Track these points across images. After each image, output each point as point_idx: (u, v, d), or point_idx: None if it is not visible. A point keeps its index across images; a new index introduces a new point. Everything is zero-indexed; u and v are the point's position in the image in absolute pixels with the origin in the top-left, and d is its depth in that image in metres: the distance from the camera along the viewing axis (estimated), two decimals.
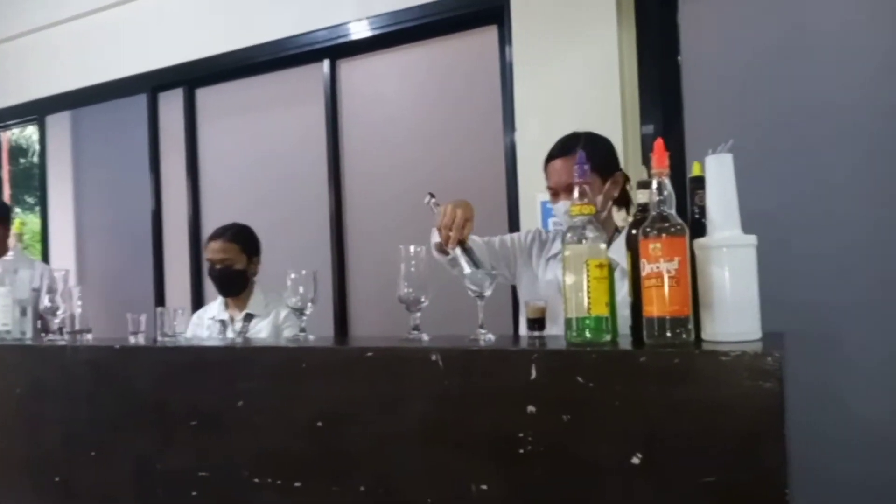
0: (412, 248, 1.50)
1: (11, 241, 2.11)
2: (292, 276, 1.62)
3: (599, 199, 1.74)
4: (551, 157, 1.80)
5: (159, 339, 1.64)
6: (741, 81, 2.39)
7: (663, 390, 1.02)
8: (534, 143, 2.52)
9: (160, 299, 3.72)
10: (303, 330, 1.61)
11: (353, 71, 3.23)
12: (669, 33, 2.49)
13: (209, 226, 3.63)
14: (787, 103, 2.33)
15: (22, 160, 7.56)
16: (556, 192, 1.77)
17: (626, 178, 1.83)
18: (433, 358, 1.19)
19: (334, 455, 1.28)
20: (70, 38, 3.94)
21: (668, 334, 1.08)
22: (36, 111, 4.18)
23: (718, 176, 1.15)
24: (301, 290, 1.62)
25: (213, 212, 3.62)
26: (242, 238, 2.54)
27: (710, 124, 2.43)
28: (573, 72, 2.52)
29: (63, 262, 4.12)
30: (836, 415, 2.20)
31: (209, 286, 3.63)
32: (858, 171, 2.22)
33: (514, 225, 2.71)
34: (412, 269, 1.49)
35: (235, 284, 2.51)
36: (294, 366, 1.34)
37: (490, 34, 2.87)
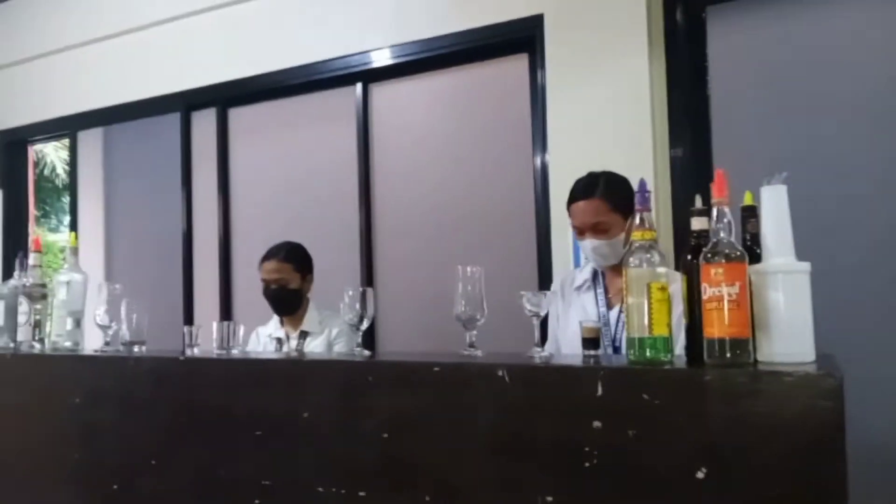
0: (469, 269, 1.58)
1: (67, 253, 2.19)
2: (350, 293, 1.70)
3: (622, 236, 1.83)
4: (573, 198, 1.89)
5: (220, 352, 1.70)
6: (768, 106, 2.48)
7: (727, 408, 1.08)
8: (566, 167, 2.60)
9: (189, 316, 3.78)
10: (358, 345, 1.68)
11: (384, 95, 3.31)
12: (698, 59, 2.58)
13: (239, 244, 3.72)
14: (814, 130, 2.41)
15: (47, 173, 7.71)
16: (582, 231, 1.87)
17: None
18: (500, 374, 1.25)
19: (399, 465, 1.34)
20: (105, 55, 4.04)
21: (728, 355, 1.14)
22: (67, 127, 4.27)
23: (773, 206, 1.22)
24: (357, 306, 1.70)
25: (243, 230, 3.70)
26: (295, 257, 2.61)
27: (737, 147, 2.51)
28: (605, 98, 2.60)
29: (92, 277, 4.18)
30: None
31: (237, 303, 3.71)
32: (892, 195, 2.29)
33: (543, 249, 2.78)
34: (469, 288, 1.56)
35: (290, 303, 2.58)
36: (360, 379, 1.40)
37: (520, 61, 2.96)
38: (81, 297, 2.14)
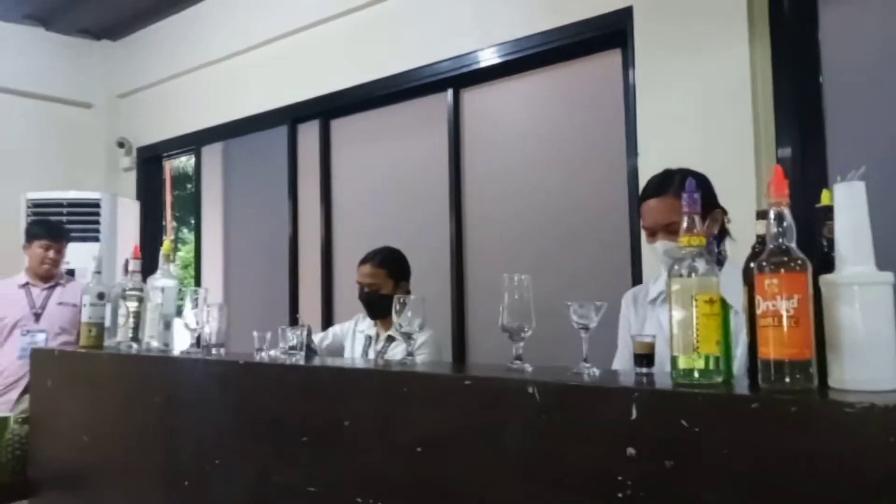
0: (515, 277, 1.49)
1: (160, 260, 2.34)
2: (401, 300, 1.67)
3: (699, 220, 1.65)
4: (645, 196, 1.75)
5: (274, 354, 1.73)
6: (891, 98, 2.17)
7: (778, 440, 0.93)
8: (657, 168, 2.43)
9: (294, 316, 3.94)
10: (410, 354, 1.64)
11: (475, 99, 3.28)
12: (808, 47, 2.31)
13: (340, 248, 3.83)
14: None
15: (188, 186, 8.41)
16: (653, 231, 1.70)
17: (725, 213, 1.75)
18: (530, 390, 1.17)
19: (430, 483, 1.28)
20: (221, 76, 4.34)
21: (787, 379, 0.99)
22: (193, 142, 4.62)
23: (848, 206, 1.04)
24: (409, 314, 1.66)
25: (343, 235, 3.81)
26: (390, 263, 2.65)
27: (855, 146, 2.22)
28: (700, 93, 2.40)
29: (213, 280, 4.49)
30: None
31: (339, 304, 3.82)
32: None
33: (636, 249, 2.62)
34: (515, 297, 1.48)
35: (381, 308, 2.60)
36: (396, 390, 1.36)
37: (613, 57, 2.81)
38: (173, 301, 2.27)
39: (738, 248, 1.78)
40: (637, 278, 2.60)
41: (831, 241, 1.11)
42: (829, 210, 1.12)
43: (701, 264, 1.09)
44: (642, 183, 2.53)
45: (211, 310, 2.08)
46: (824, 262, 1.10)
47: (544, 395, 1.15)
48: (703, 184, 1.72)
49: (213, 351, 2.02)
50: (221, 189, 4.61)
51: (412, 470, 1.31)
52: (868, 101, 2.22)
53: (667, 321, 1.75)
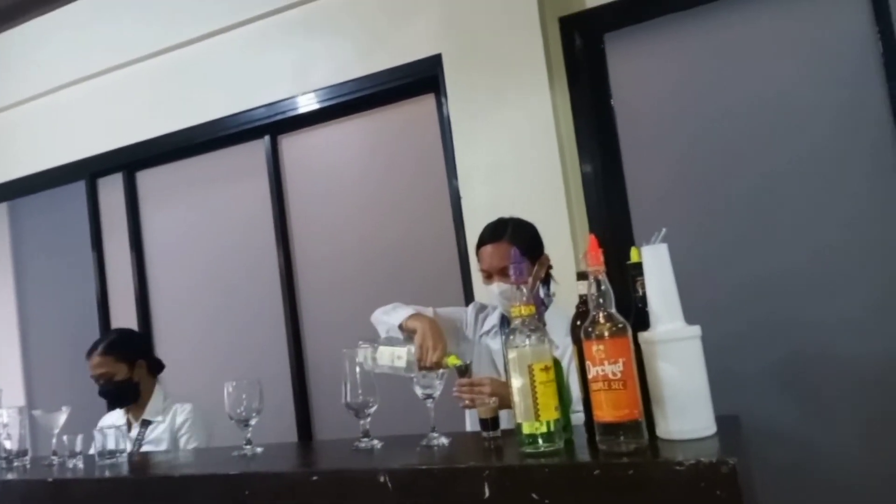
0: (359, 352, 1.46)
1: None
2: (233, 384, 1.56)
3: (529, 280, 1.75)
4: (482, 242, 1.84)
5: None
6: (673, 117, 2.45)
7: (620, 502, 0.98)
8: (480, 202, 2.52)
9: None
10: (248, 442, 1.54)
11: (294, 144, 3.19)
12: (599, 80, 2.54)
13: (158, 307, 3.53)
14: (714, 140, 2.38)
15: None
16: (489, 274, 1.81)
17: (549, 260, 1.88)
18: (381, 479, 1.13)
19: None
20: (3, 126, 3.84)
21: (622, 438, 1.04)
22: None
23: (656, 268, 1.13)
24: (244, 398, 1.56)
25: (161, 291, 3.51)
26: (116, 347, 2.46)
27: (648, 162, 2.48)
28: (510, 129, 2.52)
29: (7, 359, 3.94)
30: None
31: (166, 361, 3.51)
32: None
33: (466, 281, 2.68)
34: (357, 372, 1.44)
35: (123, 396, 2.44)
36: (237, 494, 1.26)
37: (428, 101, 2.87)
38: None
39: (559, 289, 1.89)
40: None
41: (644, 297, 1.20)
42: (639, 266, 1.21)
43: (533, 333, 1.12)
44: (466, 216, 2.63)
45: (9, 415, 1.82)
46: (640, 317, 1.18)
47: (396, 482, 1.12)
48: (532, 232, 1.83)
49: (15, 462, 1.77)
50: (10, 251, 4.06)
51: None
52: (653, 120, 2.48)
53: (499, 358, 1.83)
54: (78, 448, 1.70)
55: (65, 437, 1.72)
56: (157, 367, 2.58)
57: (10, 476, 1.62)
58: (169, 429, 2.41)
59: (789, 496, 2.18)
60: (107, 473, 1.48)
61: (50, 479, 1.50)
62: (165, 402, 2.49)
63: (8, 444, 1.81)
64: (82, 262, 3.67)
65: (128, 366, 2.44)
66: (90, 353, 2.46)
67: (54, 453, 1.74)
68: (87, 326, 3.61)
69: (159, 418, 2.44)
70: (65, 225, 3.79)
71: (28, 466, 1.69)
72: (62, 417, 1.82)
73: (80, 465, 1.60)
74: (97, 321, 3.60)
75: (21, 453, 1.81)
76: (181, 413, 2.44)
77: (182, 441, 2.41)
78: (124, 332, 2.60)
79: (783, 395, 2.24)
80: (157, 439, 2.41)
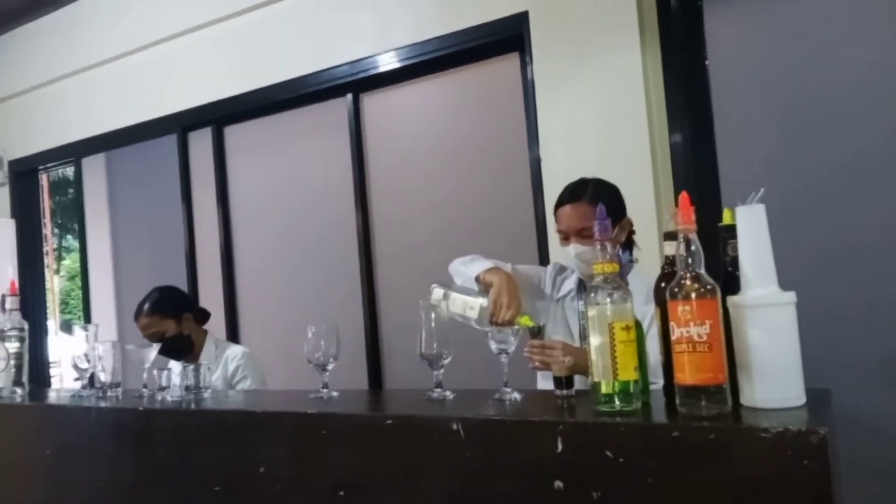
0: (433, 292, 1.46)
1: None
2: (313, 329, 1.60)
3: (612, 236, 1.70)
4: (561, 202, 1.80)
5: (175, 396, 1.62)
6: (771, 84, 2.31)
7: (698, 467, 0.95)
8: (560, 167, 2.47)
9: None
10: (325, 386, 1.58)
11: (375, 103, 3.21)
12: (695, 42, 2.41)
13: (242, 258, 3.67)
14: (815, 116, 2.23)
15: (69, 191, 7.78)
16: (567, 235, 1.77)
17: (631, 224, 1.83)
18: (454, 427, 1.14)
19: None
20: (103, 81, 4.03)
21: (703, 403, 1.01)
22: (73, 154, 4.27)
23: (751, 229, 1.08)
24: (322, 344, 1.60)
25: (244, 244, 3.65)
26: (159, 306, 2.53)
27: (741, 130, 2.34)
28: (597, 98, 2.45)
29: (102, 298, 4.20)
30: None
31: (243, 310, 3.66)
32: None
33: (542, 248, 2.65)
34: (432, 323, 1.45)
35: (179, 349, 2.51)
36: (314, 432, 1.30)
37: (512, 60, 2.82)
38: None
39: (641, 256, 1.84)
40: None
41: (734, 260, 1.14)
42: (731, 229, 1.15)
43: (615, 291, 1.10)
44: (546, 181, 2.59)
45: (104, 349, 1.93)
46: (729, 281, 1.13)
47: (469, 432, 1.13)
48: (615, 194, 1.77)
49: (109, 393, 1.88)
50: (106, 197, 4.30)
51: None
52: (751, 87, 2.34)
53: (575, 323, 1.80)
54: (165, 382, 1.79)
55: (155, 372, 1.81)
56: (203, 316, 2.68)
57: (104, 405, 1.72)
58: (222, 376, 2.50)
59: (878, 494, 2.05)
60: (192, 406, 1.56)
61: (140, 409, 1.59)
62: (217, 349, 2.59)
63: (103, 377, 1.93)
64: (172, 212, 3.85)
65: (175, 321, 2.52)
66: (137, 316, 2.54)
67: (144, 386, 1.84)
68: (176, 272, 3.79)
69: (213, 365, 2.51)
70: (157, 176, 3.97)
71: (120, 397, 1.79)
72: (152, 353, 1.92)
73: (169, 397, 1.68)
74: (185, 269, 3.78)
75: (114, 385, 1.92)
76: (233, 360, 2.53)
77: (239, 385, 2.50)
78: (164, 290, 2.65)
79: (879, 379, 2.11)
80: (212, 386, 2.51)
